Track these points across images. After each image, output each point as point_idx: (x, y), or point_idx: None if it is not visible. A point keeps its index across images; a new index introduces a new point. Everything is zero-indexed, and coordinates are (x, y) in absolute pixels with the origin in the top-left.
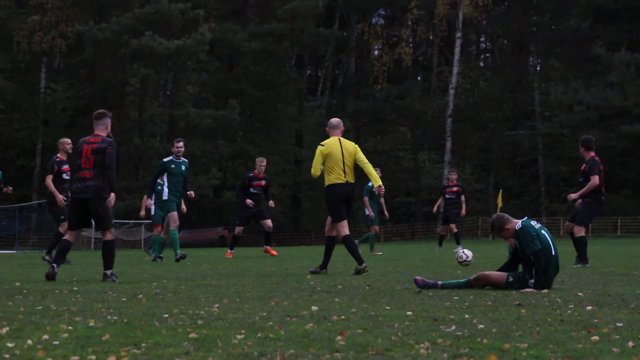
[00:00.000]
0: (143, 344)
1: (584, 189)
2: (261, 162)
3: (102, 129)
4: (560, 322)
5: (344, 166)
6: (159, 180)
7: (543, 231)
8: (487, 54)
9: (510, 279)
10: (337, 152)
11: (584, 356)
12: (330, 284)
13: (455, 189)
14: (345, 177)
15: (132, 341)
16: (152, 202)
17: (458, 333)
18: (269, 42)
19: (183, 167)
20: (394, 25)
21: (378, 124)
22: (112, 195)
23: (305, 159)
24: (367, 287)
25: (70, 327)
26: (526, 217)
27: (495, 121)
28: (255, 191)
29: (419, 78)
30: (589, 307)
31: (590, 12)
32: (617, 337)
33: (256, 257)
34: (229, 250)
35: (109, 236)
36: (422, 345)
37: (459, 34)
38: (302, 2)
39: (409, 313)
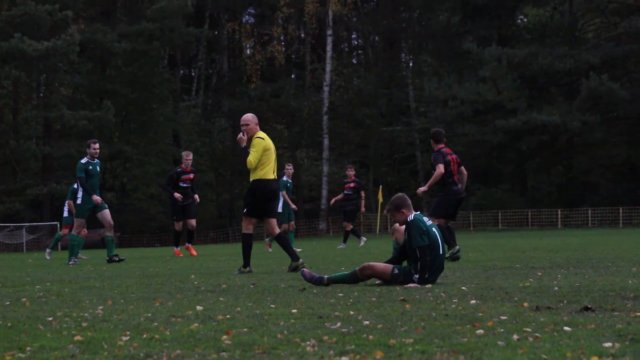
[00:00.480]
0: (28, 348)
1: (430, 180)
2: (187, 156)
3: None
4: (445, 317)
5: (275, 162)
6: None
7: (433, 229)
8: (360, 51)
9: (396, 271)
10: (272, 147)
11: (469, 350)
12: (214, 283)
13: (352, 184)
14: (274, 173)
15: (16, 345)
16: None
17: (344, 330)
18: (140, 42)
19: (99, 168)
20: (264, 24)
21: None
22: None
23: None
24: (252, 286)
25: None
26: (419, 212)
27: (371, 117)
28: (184, 185)
29: (292, 76)
30: (473, 301)
31: (459, 7)
32: (502, 330)
33: (139, 257)
34: (175, 249)
35: None
36: (308, 342)
37: (329, 32)
38: (171, 2)
39: (294, 311)
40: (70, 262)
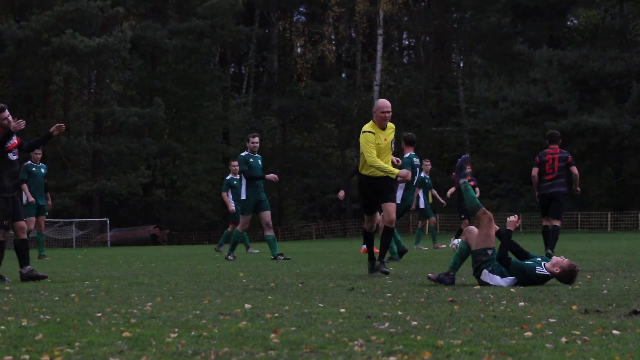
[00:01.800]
0: (76, 343)
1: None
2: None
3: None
4: (493, 318)
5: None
6: (234, 177)
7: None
8: (410, 51)
9: (489, 252)
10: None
11: (517, 352)
12: (263, 281)
13: (472, 183)
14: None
15: (65, 340)
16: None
17: (391, 330)
18: (190, 40)
19: (260, 161)
20: (315, 23)
21: (304, 121)
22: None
23: (232, 156)
24: (300, 285)
25: (2, 327)
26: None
27: (420, 117)
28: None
29: (343, 75)
30: (522, 303)
31: (510, 8)
32: (550, 332)
33: (188, 255)
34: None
35: None
36: (355, 342)
37: (380, 31)
38: (221, 0)
39: (342, 310)
40: (229, 257)
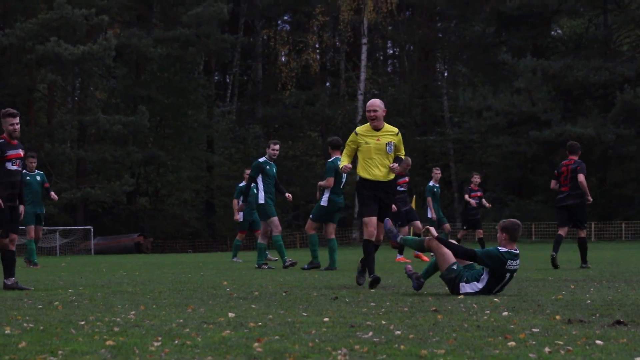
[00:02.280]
0: (60, 352)
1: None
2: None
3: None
4: (477, 328)
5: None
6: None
7: (508, 274)
8: (394, 60)
9: (454, 267)
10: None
11: None
12: (246, 290)
13: (479, 193)
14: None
15: (48, 349)
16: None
17: (375, 339)
18: (175, 48)
19: (275, 170)
20: (299, 31)
21: (288, 130)
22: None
23: (216, 164)
24: (284, 294)
25: None
26: (517, 252)
27: (405, 127)
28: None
29: (327, 84)
30: (505, 313)
31: (494, 18)
32: (534, 342)
33: (171, 263)
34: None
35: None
36: (339, 351)
37: (364, 40)
38: (206, 8)
39: (326, 319)
40: (264, 266)
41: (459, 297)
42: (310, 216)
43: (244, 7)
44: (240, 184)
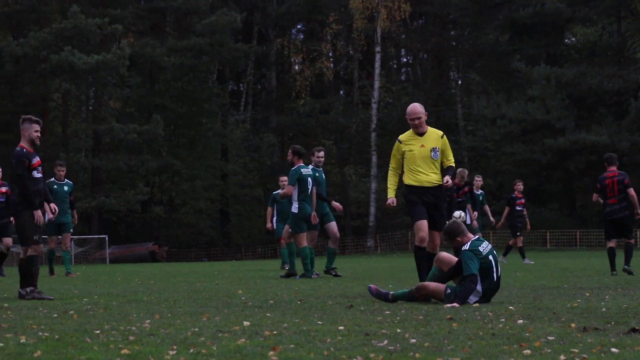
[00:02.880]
0: None
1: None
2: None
3: (23, 138)
4: (492, 336)
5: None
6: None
7: (490, 256)
8: (408, 68)
9: (449, 291)
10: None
11: None
12: (261, 299)
13: (523, 201)
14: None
15: (63, 357)
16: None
17: (390, 347)
18: (189, 57)
19: (316, 174)
20: (313, 40)
21: (303, 139)
22: (36, 212)
23: (231, 173)
24: (299, 302)
25: (1, 344)
26: (477, 236)
27: None
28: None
29: (341, 92)
30: (520, 321)
31: (507, 26)
32: (549, 350)
33: (186, 272)
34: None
35: (29, 251)
36: (354, 359)
37: (378, 48)
38: (220, 17)
39: (341, 328)
40: (313, 275)
41: (474, 305)
42: (290, 230)
43: (257, 16)
44: (275, 192)
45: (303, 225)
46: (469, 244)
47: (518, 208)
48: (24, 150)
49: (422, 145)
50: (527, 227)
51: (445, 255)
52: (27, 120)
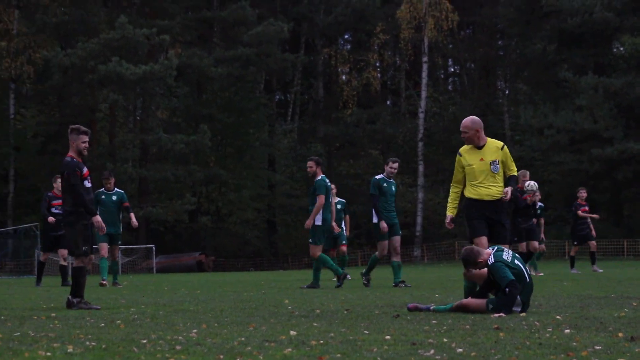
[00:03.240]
0: None
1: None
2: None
3: (71, 149)
4: (539, 346)
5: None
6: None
7: (516, 260)
8: (455, 78)
9: (490, 306)
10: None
11: None
12: (308, 308)
13: (586, 208)
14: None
15: None
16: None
17: (437, 357)
18: (236, 67)
19: (393, 188)
20: (360, 50)
21: (350, 149)
22: (94, 218)
23: (278, 183)
24: (345, 312)
25: (48, 354)
26: (495, 247)
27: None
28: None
29: (388, 102)
30: (567, 330)
31: (555, 35)
32: None
33: (233, 282)
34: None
35: (76, 262)
36: None
37: (425, 58)
38: (267, 28)
39: (388, 337)
40: (401, 285)
41: (521, 314)
42: (310, 241)
43: (304, 26)
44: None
45: (322, 238)
46: (492, 256)
47: (582, 214)
48: (74, 159)
49: (481, 159)
50: (593, 233)
51: (474, 274)
52: (75, 130)
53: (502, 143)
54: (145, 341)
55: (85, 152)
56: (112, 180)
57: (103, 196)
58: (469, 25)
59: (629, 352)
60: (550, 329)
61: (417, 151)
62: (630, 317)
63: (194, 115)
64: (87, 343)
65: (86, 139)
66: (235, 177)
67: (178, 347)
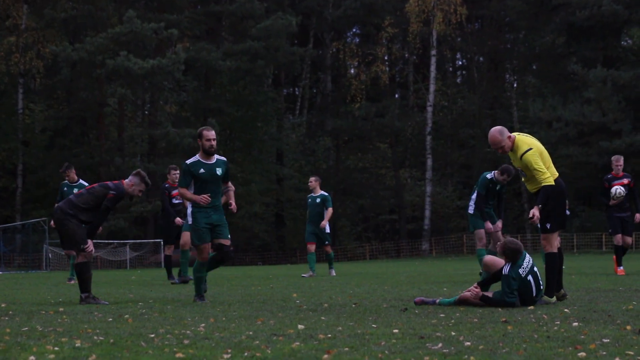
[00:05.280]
0: None
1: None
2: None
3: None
4: (547, 339)
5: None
6: None
7: (529, 277)
8: (464, 71)
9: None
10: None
11: None
12: (316, 302)
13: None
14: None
15: None
16: None
17: (445, 351)
18: (244, 61)
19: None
20: (369, 44)
21: (358, 142)
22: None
23: (286, 177)
24: (353, 305)
25: (56, 348)
26: (523, 255)
27: (474, 138)
28: None
29: (396, 96)
30: (576, 324)
31: (564, 29)
32: (604, 353)
33: (241, 276)
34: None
35: (80, 258)
36: None
37: (433, 52)
38: (275, 21)
39: (396, 331)
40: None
41: (529, 307)
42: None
43: (313, 19)
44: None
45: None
46: (508, 267)
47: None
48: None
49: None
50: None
51: (490, 259)
52: (137, 175)
53: (522, 152)
54: (153, 335)
55: (139, 195)
56: (73, 172)
57: (65, 188)
58: (477, 18)
59: (636, 344)
60: (558, 322)
61: (425, 145)
62: (638, 310)
63: (202, 109)
64: (95, 338)
65: (143, 188)
66: (243, 171)
67: (186, 342)
